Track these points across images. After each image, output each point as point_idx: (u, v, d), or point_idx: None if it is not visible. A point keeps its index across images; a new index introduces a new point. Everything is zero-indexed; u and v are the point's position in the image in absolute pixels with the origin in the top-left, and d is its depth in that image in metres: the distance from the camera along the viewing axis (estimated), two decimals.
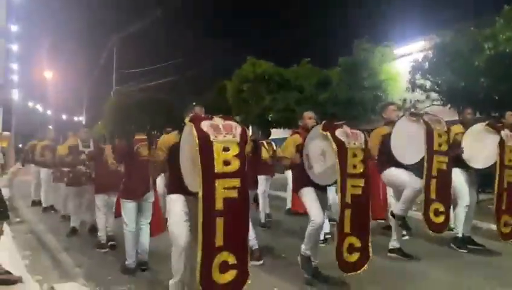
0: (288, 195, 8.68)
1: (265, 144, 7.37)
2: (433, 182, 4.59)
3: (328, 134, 3.87)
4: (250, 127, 15.28)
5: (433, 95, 9.43)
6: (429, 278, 4.38)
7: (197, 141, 3.05)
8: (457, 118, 6.01)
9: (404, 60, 10.90)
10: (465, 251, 5.30)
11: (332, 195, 5.34)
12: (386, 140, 4.86)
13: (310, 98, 12.00)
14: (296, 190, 4.44)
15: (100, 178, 5.60)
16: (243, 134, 3.24)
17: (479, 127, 5.31)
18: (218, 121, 3.26)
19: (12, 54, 25.14)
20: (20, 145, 27.96)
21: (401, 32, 13.97)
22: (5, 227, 6.55)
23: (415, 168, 4.75)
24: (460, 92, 8.19)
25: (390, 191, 5.77)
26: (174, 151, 3.49)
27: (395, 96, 11.14)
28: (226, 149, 3.11)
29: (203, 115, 3.49)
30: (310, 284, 4.12)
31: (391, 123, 4.94)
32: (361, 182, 3.91)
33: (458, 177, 5.20)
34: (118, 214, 5.19)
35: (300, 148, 4.25)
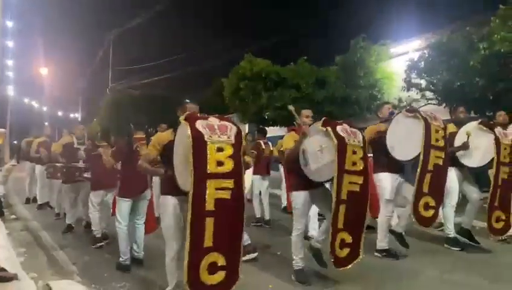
0: (283, 193, 8.71)
1: (262, 143, 7.40)
2: (428, 176, 4.61)
3: (329, 129, 3.89)
4: (247, 125, 15.30)
5: (429, 94, 9.46)
6: (422, 275, 4.41)
7: (191, 140, 3.05)
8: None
9: (400, 59, 10.93)
10: (457, 249, 5.34)
11: None
12: (381, 137, 4.89)
13: (306, 96, 12.00)
14: (289, 188, 4.48)
15: (97, 175, 5.60)
16: (238, 135, 3.23)
17: (472, 125, 5.35)
18: (213, 121, 3.26)
19: (8, 50, 25.02)
20: (16, 142, 27.82)
21: (397, 31, 14.04)
22: (0, 224, 6.57)
23: (413, 165, 4.77)
24: (455, 91, 8.22)
25: None
26: (168, 149, 3.47)
27: (390, 95, 11.17)
28: (220, 150, 3.10)
29: (198, 114, 3.48)
30: (304, 283, 4.15)
31: (387, 122, 4.99)
32: (359, 180, 3.91)
33: (451, 176, 5.23)
34: (114, 213, 5.20)
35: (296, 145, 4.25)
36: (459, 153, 5.26)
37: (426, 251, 5.32)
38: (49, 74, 36.82)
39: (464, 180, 5.47)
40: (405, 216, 4.97)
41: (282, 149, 4.43)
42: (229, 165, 3.12)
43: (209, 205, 3.06)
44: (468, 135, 5.18)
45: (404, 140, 4.71)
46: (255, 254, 4.91)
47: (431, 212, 4.64)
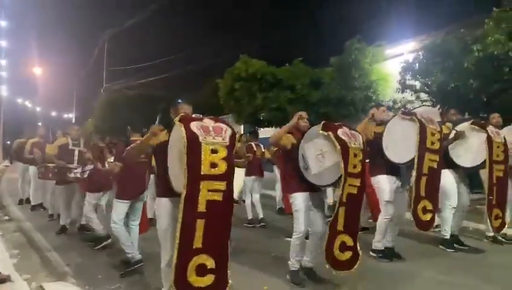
0: (277, 194, 8.72)
1: (253, 145, 7.42)
2: (423, 179, 4.62)
3: (331, 134, 3.87)
4: (242, 126, 15.29)
5: (423, 95, 9.51)
6: (418, 277, 4.42)
7: (186, 141, 3.03)
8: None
9: (395, 60, 10.98)
10: (452, 250, 5.37)
11: None
12: (377, 139, 4.91)
13: (302, 97, 12.02)
14: (287, 191, 4.44)
15: (95, 177, 5.57)
16: (232, 137, 3.22)
17: (464, 126, 5.39)
18: (208, 122, 3.23)
19: (1, 49, 24.87)
20: (8, 142, 27.63)
21: (392, 32, 14.06)
22: None
23: (409, 167, 4.79)
24: (449, 93, 8.26)
25: None
26: (162, 150, 3.43)
27: (385, 96, 11.22)
28: (214, 151, 3.08)
29: (193, 115, 3.45)
30: (299, 284, 4.14)
31: (382, 124, 5.00)
32: (357, 182, 3.92)
33: (447, 178, 5.25)
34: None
35: (294, 149, 4.21)
36: (453, 154, 5.28)
37: (422, 252, 5.34)
38: (43, 73, 36.64)
39: (459, 183, 5.49)
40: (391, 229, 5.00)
41: (280, 143, 4.35)
42: (222, 167, 3.09)
43: (201, 207, 3.04)
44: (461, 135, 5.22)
45: (400, 142, 4.72)
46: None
47: (429, 215, 4.65)
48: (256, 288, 4.10)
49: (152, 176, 5.37)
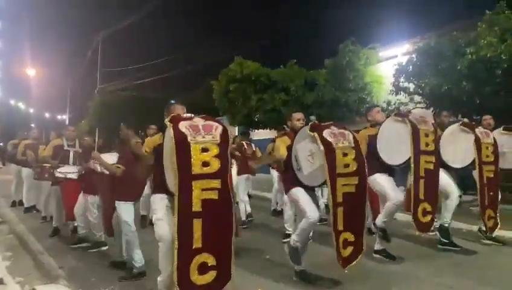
0: (273, 196, 8.72)
1: (244, 144, 7.47)
2: (421, 182, 4.63)
3: (316, 134, 3.86)
4: (237, 128, 15.30)
5: (417, 98, 9.57)
6: (416, 278, 4.42)
7: (174, 142, 3.03)
8: None
9: (389, 62, 11.03)
10: (447, 241, 5.36)
11: None
12: (372, 141, 4.92)
13: (296, 99, 12.05)
14: (285, 191, 4.45)
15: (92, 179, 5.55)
16: (224, 134, 3.21)
17: (454, 127, 5.43)
18: (198, 121, 3.23)
19: None
20: (1, 144, 27.44)
21: (386, 35, 14.12)
22: None
23: (402, 169, 4.80)
24: (443, 95, 8.32)
25: None
26: (158, 152, 3.48)
27: (379, 98, 11.27)
28: (204, 150, 3.08)
29: (185, 115, 3.45)
30: (295, 262, 4.16)
31: (377, 125, 5.02)
32: (354, 180, 3.88)
33: (442, 174, 5.25)
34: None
35: (289, 150, 4.24)
36: (443, 155, 5.29)
37: (419, 253, 5.34)
38: (37, 75, 36.41)
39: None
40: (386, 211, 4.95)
41: (277, 157, 4.38)
42: (215, 165, 3.09)
43: (196, 207, 3.04)
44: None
45: (394, 145, 4.73)
46: None
47: (428, 217, 4.67)
48: None
49: None
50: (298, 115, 4.42)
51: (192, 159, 3.03)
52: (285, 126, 4.60)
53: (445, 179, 5.21)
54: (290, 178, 4.26)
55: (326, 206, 6.88)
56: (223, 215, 3.18)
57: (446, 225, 5.46)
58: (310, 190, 4.21)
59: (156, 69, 26.12)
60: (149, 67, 26.38)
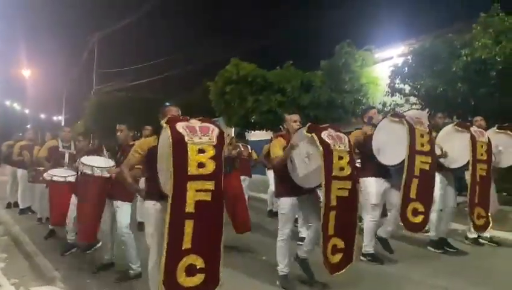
0: (269, 197, 8.73)
1: (240, 146, 7.48)
2: (415, 181, 4.62)
3: (314, 136, 3.86)
4: (233, 129, 15.31)
5: (412, 99, 9.60)
6: (410, 280, 4.45)
7: (171, 141, 3.03)
8: None
9: (385, 64, 11.08)
10: (440, 251, 5.42)
11: None
12: (367, 141, 4.94)
13: (292, 100, 12.07)
14: (277, 195, 4.47)
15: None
16: (220, 137, 3.22)
17: (449, 128, 5.46)
18: (195, 122, 3.23)
19: None
20: None
21: (382, 37, 14.17)
22: None
23: (398, 170, 4.82)
24: (438, 96, 8.36)
25: None
26: (152, 155, 3.45)
27: (375, 100, 11.31)
28: (201, 151, 3.08)
29: (180, 116, 3.46)
30: (288, 289, 4.15)
31: (373, 126, 5.04)
32: (348, 185, 3.90)
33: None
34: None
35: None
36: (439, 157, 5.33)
37: (413, 255, 5.38)
38: (32, 75, 36.23)
39: (447, 185, 5.55)
40: (391, 221, 5.01)
41: (272, 157, 4.36)
42: (210, 167, 3.09)
43: (189, 207, 3.03)
44: (441, 148, 5.26)
45: (390, 145, 4.75)
46: None
47: (420, 217, 4.65)
48: None
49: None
50: (294, 117, 4.42)
51: (188, 160, 3.03)
52: (281, 127, 4.60)
53: (437, 188, 5.22)
54: (283, 183, 4.26)
55: None
56: (214, 218, 3.17)
57: (434, 238, 5.51)
58: (305, 194, 4.19)
59: (153, 69, 26.09)
60: (145, 68, 26.35)
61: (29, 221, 7.63)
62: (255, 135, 14.78)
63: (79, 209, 4.78)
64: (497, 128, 5.86)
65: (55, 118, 48.39)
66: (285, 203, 4.19)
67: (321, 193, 3.86)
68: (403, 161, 4.64)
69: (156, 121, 3.75)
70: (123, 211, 4.62)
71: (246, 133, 10.96)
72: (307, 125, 4.04)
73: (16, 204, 8.97)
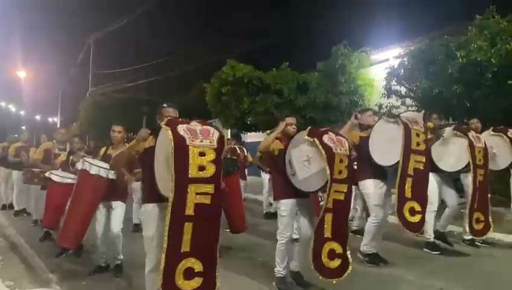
0: (264, 198, 8.73)
1: (237, 148, 7.49)
2: (409, 180, 4.60)
3: (316, 140, 3.85)
4: (229, 130, 15.30)
5: (408, 101, 9.63)
6: (406, 281, 4.46)
7: (173, 144, 3.02)
8: None
9: (381, 66, 11.10)
10: (437, 253, 5.43)
11: None
12: (363, 143, 4.94)
13: (288, 102, 12.07)
14: (274, 197, 4.45)
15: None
16: (221, 140, 3.21)
17: (448, 131, 5.48)
18: (195, 125, 3.23)
19: None
20: None
21: (378, 38, 14.21)
22: None
23: (394, 171, 4.82)
24: (434, 98, 8.38)
25: None
26: (149, 155, 3.43)
27: (371, 101, 11.33)
28: (202, 154, 3.07)
29: (179, 119, 3.45)
30: None
31: (369, 128, 5.05)
32: (344, 188, 3.90)
33: (430, 182, 5.31)
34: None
35: (282, 155, 4.22)
36: (436, 159, 5.35)
37: (409, 256, 5.38)
38: (27, 77, 36.05)
39: (443, 185, 5.57)
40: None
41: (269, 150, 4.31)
42: (210, 170, 3.09)
43: (189, 210, 3.03)
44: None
45: (386, 145, 4.76)
46: None
47: (418, 217, 4.64)
48: None
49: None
50: (290, 120, 4.41)
51: (189, 163, 3.03)
52: None
53: (432, 188, 5.23)
54: (281, 185, 4.24)
55: None
56: (212, 221, 3.17)
57: (430, 239, 5.53)
58: (302, 197, 4.18)
59: (148, 71, 26.02)
60: (141, 69, 26.28)
61: (24, 223, 7.60)
62: (251, 137, 14.78)
63: (71, 209, 4.60)
64: (492, 131, 5.89)
65: (50, 119, 48.13)
66: (286, 205, 4.16)
67: (324, 196, 3.87)
68: (399, 161, 4.64)
69: (152, 122, 3.74)
70: (120, 211, 4.63)
71: (242, 134, 10.92)
72: (308, 129, 4.03)
73: (10, 206, 8.93)
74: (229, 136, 11.62)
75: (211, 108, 14.37)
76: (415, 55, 8.92)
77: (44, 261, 5.15)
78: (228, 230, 5.67)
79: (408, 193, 4.63)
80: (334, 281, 3.89)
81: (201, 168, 3.06)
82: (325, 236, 3.84)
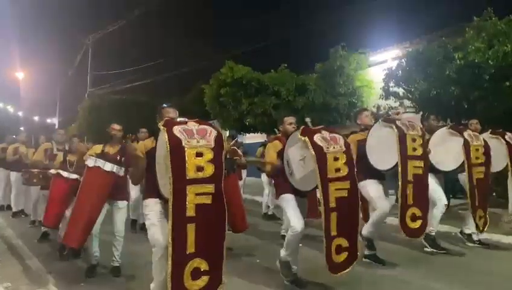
0: (263, 199, 8.74)
1: (237, 150, 7.51)
2: (410, 187, 4.63)
3: (307, 139, 3.85)
4: (228, 131, 15.31)
5: (406, 102, 9.65)
6: (405, 282, 4.44)
7: (168, 146, 3.02)
8: None
9: (379, 67, 11.12)
10: (435, 250, 5.43)
11: None
12: (361, 146, 4.95)
13: (287, 103, 12.09)
14: (276, 196, 4.45)
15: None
16: (219, 139, 3.21)
17: (443, 131, 5.50)
18: (192, 125, 3.22)
19: None
20: None
21: (376, 40, 14.25)
22: None
23: (392, 174, 4.83)
24: (432, 99, 8.40)
25: None
26: (150, 156, 3.46)
27: (369, 103, 11.36)
28: (199, 154, 3.07)
29: (178, 119, 3.46)
30: (287, 277, 4.14)
31: (366, 129, 5.05)
32: (346, 185, 3.87)
33: (430, 181, 5.30)
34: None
35: (280, 154, 4.24)
36: (432, 159, 5.35)
37: (408, 257, 5.36)
38: (26, 78, 36.01)
39: (438, 187, 5.56)
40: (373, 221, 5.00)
41: (267, 161, 4.36)
42: (209, 170, 3.09)
43: (190, 211, 3.03)
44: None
45: (382, 149, 4.76)
46: None
47: (419, 222, 4.65)
48: None
49: None
50: (290, 119, 4.40)
51: (186, 164, 3.02)
52: (276, 130, 4.60)
53: (431, 186, 5.21)
54: (281, 183, 4.26)
55: None
56: (216, 220, 3.18)
57: (432, 233, 5.52)
58: (301, 196, 4.19)
59: (148, 72, 26.03)
60: (140, 70, 26.27)
61: (22, 224, 7.59)
62: (250, 138, 14.80)
63: (79, 207, 4.49)
64: (491, 134, 5.91)
65: (49, 120, 48.01)
66: (288, 198, 4.14)
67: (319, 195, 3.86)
68: (394, 166, 4.66)
69: (151, 123, 3.74)
70: (125, 210, 4.72)
71: (239, 135, 10.93)
72: (301, 128, 4.03)
73: (8, 207, 8.92)
74: (227, 135, 11.61)
75: (209, 109, 14.40)
76: (413, 56, 8.94)
77: (42, 263, 5.14)
78: (229, 231, 5.67)
79: (410, 200, 4.65)
80: (334, 276, 3.87)
81: (200, 168, 3.06)
82: (332, 235, 3.82)
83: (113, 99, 24.08)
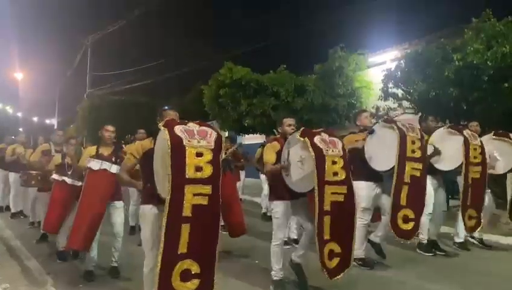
0: (262, 200, 8.74)
1: (237, 151, 7.54)
2: (405, 188, 4.61)
3: (306, 140, 3.85)
4: (227, 132, 15.32)
5: (405, 103, 9.66)
6: (401, 283, 4.47)
7: (170, 145, 3.02)
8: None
9: (378, 68, 11.13)
10: (430, 254, 5.44)
11: None
12: (359, 146, 4.94)
13: (286, 104, 12.09)
14: (270, 198, 4.45)
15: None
16: (218, 141, 3.21)
17: (442, 131, 5.50)
18: (193, 126, 3.23)
19: None
20: None
21: (375, 41, 14.27)
22: None
23: (391, 175, 4.83)
24: (431, 101, 8.41)
25: None
26: (148, 157, 3.44)
27: (368, 104, 11.37)
28: (199, 155, 3.07)
29: (178, 120, 3.46)
30: None
31: (365, 130, 5.05)
32: (343, 189, 3.87)
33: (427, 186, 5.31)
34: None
35: (279, 155, 4.23)
36: (432, 160, 5.36)
37: (404, 259, 5.38)
38: (25, 78, 35.99)
39: (438, 188, 5.57)
40: (382, 226, 5.02)
41: (264, 162, 4.35)
42: (207, 171, 3.08)
43: (186, 211, 3.02)
44: (432, 144, 5.30)
45: (381, 150, 4.76)
46: None
47: (411, 224, 4.64)
48: None
49: None
50: (289, 121, 4.41)
51: (186, 163, 3.02)
52: (275, 131, 4.61)
53: (428, 191, 5.18)
54: (276, 187, 4.26)
55: None
56: (210, 222, 3.15)
57: (424, 241, 5.53)
58: (298, 198, 4.18)
59: (147, 73, 26.01)
60: (139, 71, 26.26)
61: (21, 225, 7.59)
62: (249, 139, 14.81)
63: (83, 210, 4.50)
64: (494, 135, 5.90)
65: (48, 121, 48.00)
66: (279, 207, 4.19)
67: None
68: (393, 167, 4.64)
69: (149, 124, 3.74)
70: (121, 210, 4.73)
71: (238, 136, 10.93)
72: (301, 129, 4.04)
73: (7, 208, 8.91)
74: (226, 135, 11.63)
75: (208, 110, 14.39)
76: (412, 57, 8.95)
77: (41, 264, 5.14)
78: (226, 232, 5.66)
79: (403, 201, 4.63)
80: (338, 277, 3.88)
81: (198, 169, 3.05)
82: (324, 238, 3.82)
83: (112, 100, 24.10)
